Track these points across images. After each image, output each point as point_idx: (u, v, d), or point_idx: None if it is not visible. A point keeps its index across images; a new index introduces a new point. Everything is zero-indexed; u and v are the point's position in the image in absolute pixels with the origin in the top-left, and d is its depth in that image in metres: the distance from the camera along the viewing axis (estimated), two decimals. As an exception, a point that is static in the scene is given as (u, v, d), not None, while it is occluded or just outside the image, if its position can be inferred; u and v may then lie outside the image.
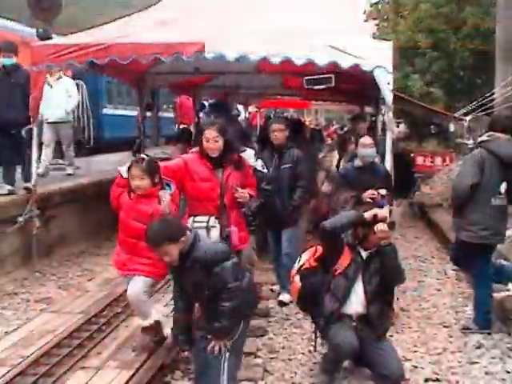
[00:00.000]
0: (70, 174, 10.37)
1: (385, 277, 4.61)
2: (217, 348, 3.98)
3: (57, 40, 8.01)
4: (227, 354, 4.00)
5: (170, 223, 4.05)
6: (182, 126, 13.56)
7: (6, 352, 4.99)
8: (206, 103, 13.78)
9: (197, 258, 3.90)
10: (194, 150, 5.32)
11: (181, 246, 3.90)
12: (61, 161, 11.72)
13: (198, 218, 5.03)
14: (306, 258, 4.84)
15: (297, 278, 4.80)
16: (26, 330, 5.49)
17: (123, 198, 4.75)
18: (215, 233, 4.97)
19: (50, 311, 6.01)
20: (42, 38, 9.38)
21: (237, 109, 17.73)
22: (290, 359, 5.18)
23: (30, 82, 7.91)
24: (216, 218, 5.03)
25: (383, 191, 6.10)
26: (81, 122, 16.49)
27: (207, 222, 5.00)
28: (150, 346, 4.92)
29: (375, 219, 4.51)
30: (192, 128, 12.17)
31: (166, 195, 4.63)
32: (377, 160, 6.52)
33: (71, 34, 7.90)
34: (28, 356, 4.82)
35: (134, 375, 4.46)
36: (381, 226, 4.49)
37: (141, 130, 10.93)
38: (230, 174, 5.08)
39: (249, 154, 6.07)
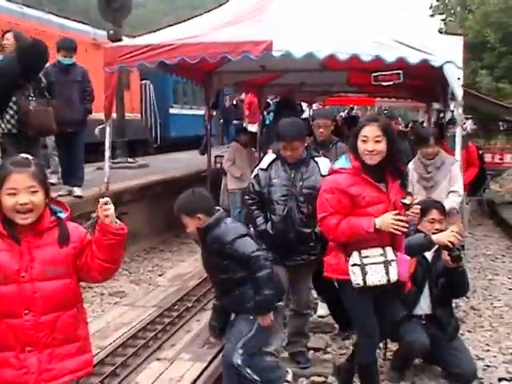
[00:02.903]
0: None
1: (449, 287, 4.52)
2: (268, 321, 3.76)
3: (128, 41, 8.21)
4: (257, 326, 3.78)
5: (195, 196, 3.84)
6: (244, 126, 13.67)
7: (84, 343, 5.18)
8: (271, 102, 13.88)
9: (215, 237, 3.72)
10: (339, 164, 3.87)
11: (197, 223, 3.75)
12: (130, 159, 12.02)
13: (367, 252, 3.70)
14: None
15: None
16: (102, 322, 5.67)
17: None
18: (395, 268, 3.69)
19: (124, 304, 6.19)
20: (112, 40, 9.67)
21: (301, 107, 17.75)
22: (359, 355, 5.18)
23: (87, 78, 7.93)
24: (393, 248, 3.75)
25: None
26: (148, 122, 16.97)
27: (384, 254, 3.70)
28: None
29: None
30: (256, 128, 12.26)
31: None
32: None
33: (139, 35, 8.08)
34: (106, 347, 4.98)
35: (207, 367, 4.56)
36: (446, 257, 4.25)
37: (208, 129, 11.05)
38: (394, 189, 3.76)
39: (324, 162, 4.63)
